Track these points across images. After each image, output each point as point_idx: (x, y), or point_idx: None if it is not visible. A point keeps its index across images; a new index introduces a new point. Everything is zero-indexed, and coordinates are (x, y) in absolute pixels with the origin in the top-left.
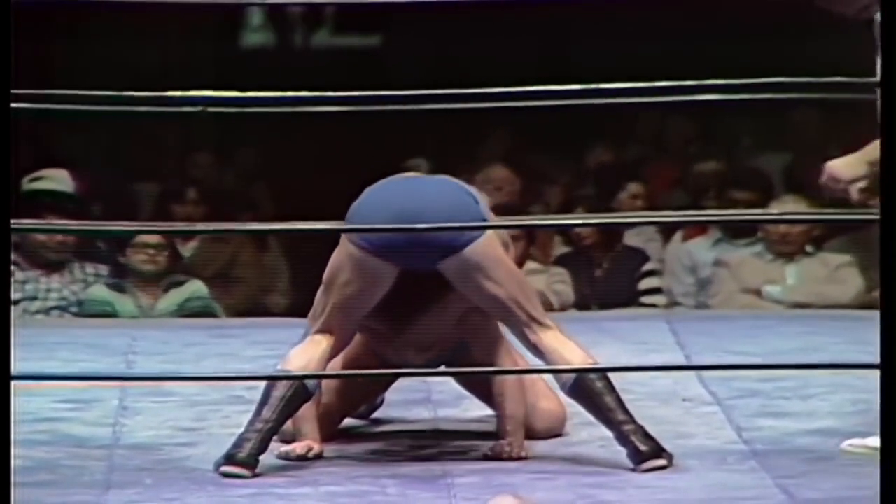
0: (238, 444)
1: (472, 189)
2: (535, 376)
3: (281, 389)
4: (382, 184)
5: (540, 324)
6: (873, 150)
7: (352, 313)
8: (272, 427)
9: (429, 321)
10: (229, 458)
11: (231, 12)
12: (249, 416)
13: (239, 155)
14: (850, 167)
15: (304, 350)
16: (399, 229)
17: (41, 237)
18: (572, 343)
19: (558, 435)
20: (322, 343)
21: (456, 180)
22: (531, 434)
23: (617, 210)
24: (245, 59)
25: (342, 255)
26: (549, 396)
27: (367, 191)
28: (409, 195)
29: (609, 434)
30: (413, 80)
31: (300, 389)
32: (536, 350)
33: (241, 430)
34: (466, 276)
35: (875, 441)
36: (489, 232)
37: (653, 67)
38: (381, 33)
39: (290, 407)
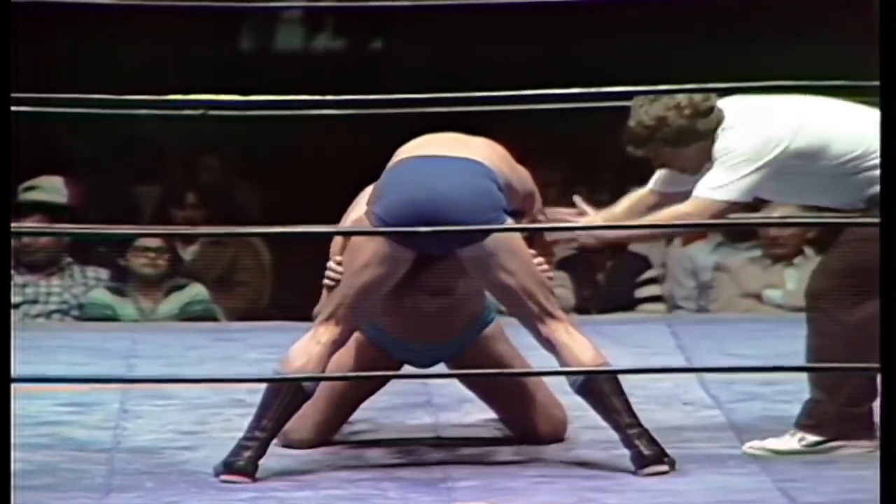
0: (237, 452)
1: (496, 171)
2: (539, 380)
3: (280, 395)
4: (404, 165)
5: (553, 317)
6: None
7: (362, 302)
8: (270, 434)
9: (440, 267)
10: (228, 467)
11: (231, 14)
12: (249, 420)
13: (239, 158)
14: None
15: (303, 348)
16: (406, 231)
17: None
18: (584, 339)
19: (560, 440)
20: (323, 337)
21: (481, 162)
22: (533, 439)
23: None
24: (245, 62)
25: (360, 238)
26: (552, 401)
27: (389, 173)
28: (430, 180)
29: (610, 437)
30: (414, 83)
31: (299, 391)
32: (548, 343)
33: (241, 436)
34: (483, 264)
35: (773, 443)
36: (509, 220)
37: (653, 69)
38: (382, 37)
39: (289, 410)
